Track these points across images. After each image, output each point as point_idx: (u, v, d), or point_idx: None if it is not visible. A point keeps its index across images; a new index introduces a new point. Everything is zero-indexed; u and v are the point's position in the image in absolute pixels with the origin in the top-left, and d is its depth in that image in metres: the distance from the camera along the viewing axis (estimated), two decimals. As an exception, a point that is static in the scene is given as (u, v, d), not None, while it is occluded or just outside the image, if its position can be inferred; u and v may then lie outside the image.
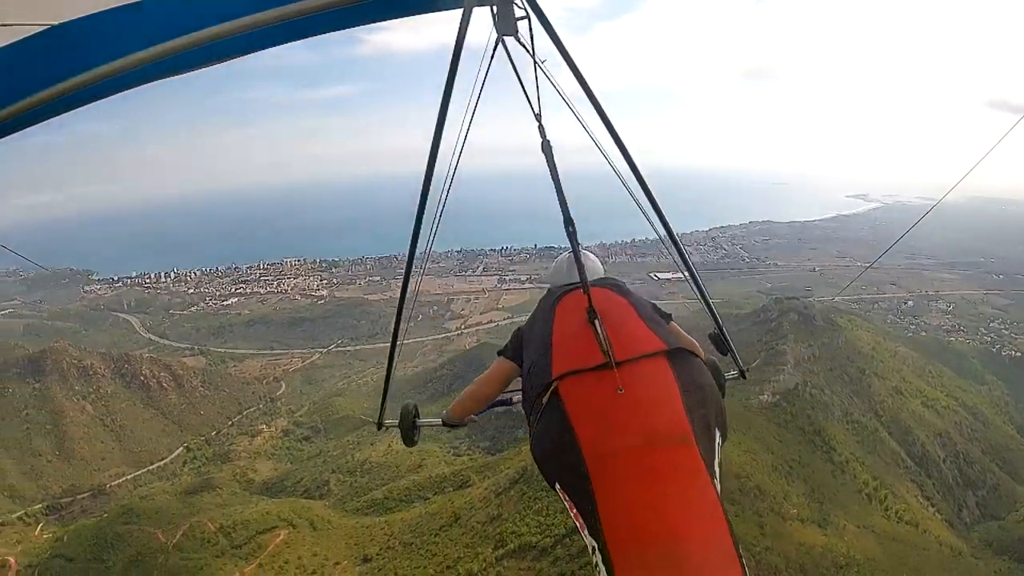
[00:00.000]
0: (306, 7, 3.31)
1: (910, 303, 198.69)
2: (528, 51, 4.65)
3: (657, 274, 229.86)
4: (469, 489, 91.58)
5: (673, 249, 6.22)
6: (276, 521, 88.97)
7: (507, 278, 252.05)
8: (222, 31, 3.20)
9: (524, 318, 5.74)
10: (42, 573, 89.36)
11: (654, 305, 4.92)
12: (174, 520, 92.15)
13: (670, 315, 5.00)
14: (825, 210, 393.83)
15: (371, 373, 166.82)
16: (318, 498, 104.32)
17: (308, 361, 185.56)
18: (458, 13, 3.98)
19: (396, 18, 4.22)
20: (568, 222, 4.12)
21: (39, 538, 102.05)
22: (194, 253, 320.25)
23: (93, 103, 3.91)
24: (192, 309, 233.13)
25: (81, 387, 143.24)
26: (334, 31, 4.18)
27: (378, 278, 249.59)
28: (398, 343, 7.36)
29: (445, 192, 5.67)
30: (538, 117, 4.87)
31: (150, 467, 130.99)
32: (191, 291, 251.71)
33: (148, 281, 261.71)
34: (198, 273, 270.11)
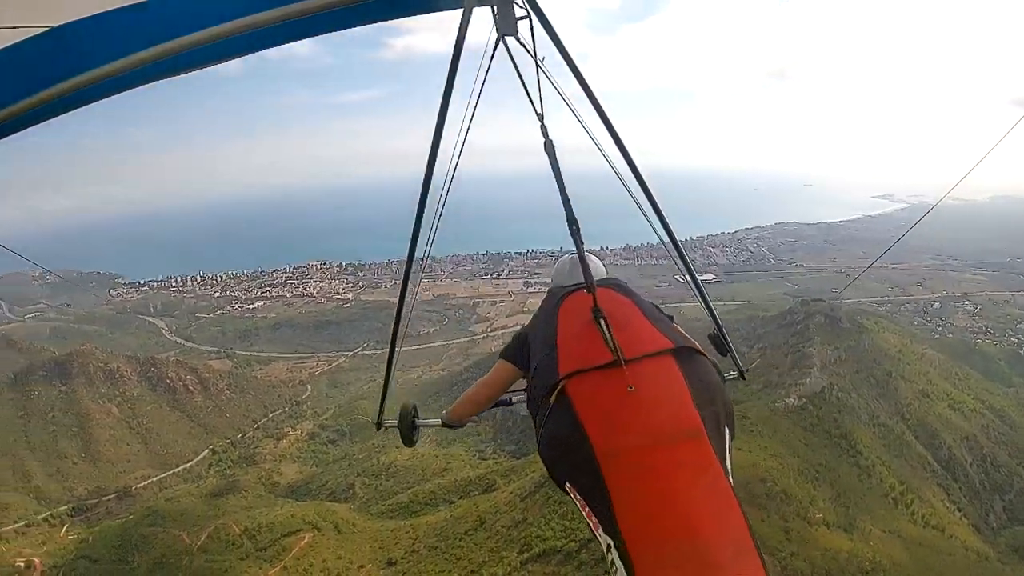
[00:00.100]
0: (307, 7, 3.30)
1: (936, 304, 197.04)
2: (528, 51, 4.63)
3: (682, 276, 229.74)
4: (494, 493, 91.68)
5: (673, 250, 6.16)
6: (301, 524, 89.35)
7: (533, 281, 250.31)
8: (223, 31, 3.19)
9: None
10: (67, 574, 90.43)
11: (656, 305, 4.87)
12: (199, 522, 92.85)
13: (672, 316, 4.91)
14: (851, 211, 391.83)
15: (397, 376, 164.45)
16: (343, 501, 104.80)
17: (334, 364, 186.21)
18: (458, 13, 3.95)
19: (396, 18, 4.22)
20: (571, 221, 4.04)
21: (64, 539, 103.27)
22: (220, 257, 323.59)
23: (93, 103, 3.87)
24: (218, 313, 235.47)
25: (107, 390, 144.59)
26: (335, 31, 4.19)
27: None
28: (398, 343, 7.52)
29: (445, 192, 5.73)
30: (540, 117, 4.76)
31: (175, 469, 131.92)
32: (217, 295, 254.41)
33: (174, 285, 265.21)
34: (224, 277, 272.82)
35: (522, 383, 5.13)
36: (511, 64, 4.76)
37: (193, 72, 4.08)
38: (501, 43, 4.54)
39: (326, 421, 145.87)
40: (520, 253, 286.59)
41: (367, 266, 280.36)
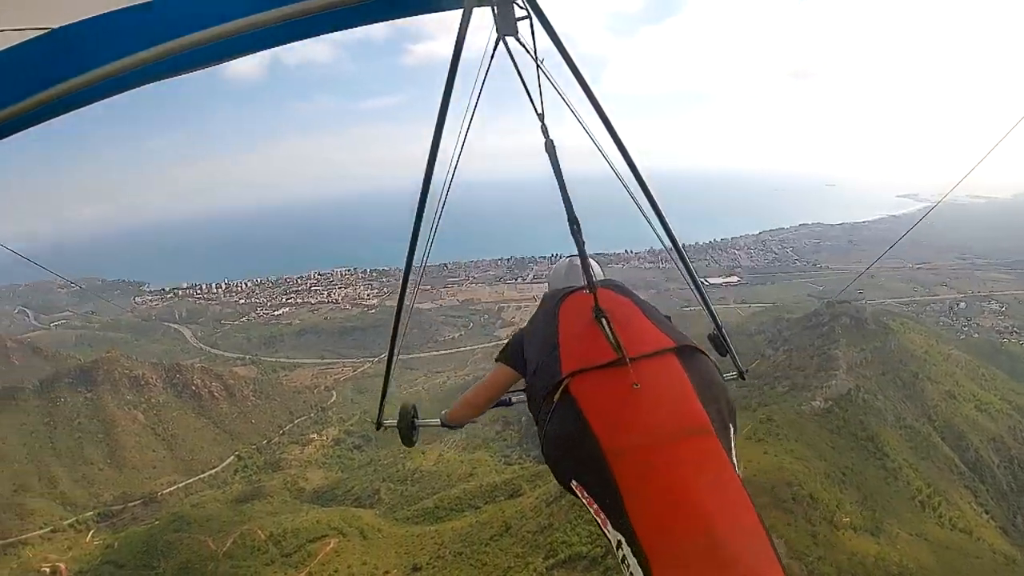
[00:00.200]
0: (308, 7, 3.33)
1: (962, 304, 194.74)
2: (528, 51, 4.64)
3: (707, 279, 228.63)
4: (520, 498, 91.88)
5: (674, 252, 6.33)
6: (326, 530, 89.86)
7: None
8: (224, 31, 3.22)
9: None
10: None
11: (653, 306, 4.87)
12: (224, 528, 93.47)
13: (669, 317, 4.90)
14: (875, 211, 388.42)
15: (422, 381, 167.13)
16: (368, 507, 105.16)
17: (359, 370, 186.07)
18: (458, 14, 4.02)
19: (397, 18, 4.29)
20: (572, 220, 4.05)
21: (90, 545, 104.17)
22: (245, 263, 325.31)
23: (93, 104, 3.91)
24: (243, 319, 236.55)
25: (133, 397, 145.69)
26: (336, 31, 4.21)
27: (428, 286, 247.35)
28: (397, 344, 7.61)
29: (445, 192, 5.79)
30: (540, 117, 4.78)
31: (201, 475, 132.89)
32: (242, 301, 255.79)
33: (199, 292, 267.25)
34: (249, 284, 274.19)
35: (522, 383, 5.15)
36: (511, 64, 4.77)
37: (193, 72, 4.13)
38: (501, 43, 4.56)
39: (351, 427, 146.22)
40: (544, 257, 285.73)
41: (392, 271, 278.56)
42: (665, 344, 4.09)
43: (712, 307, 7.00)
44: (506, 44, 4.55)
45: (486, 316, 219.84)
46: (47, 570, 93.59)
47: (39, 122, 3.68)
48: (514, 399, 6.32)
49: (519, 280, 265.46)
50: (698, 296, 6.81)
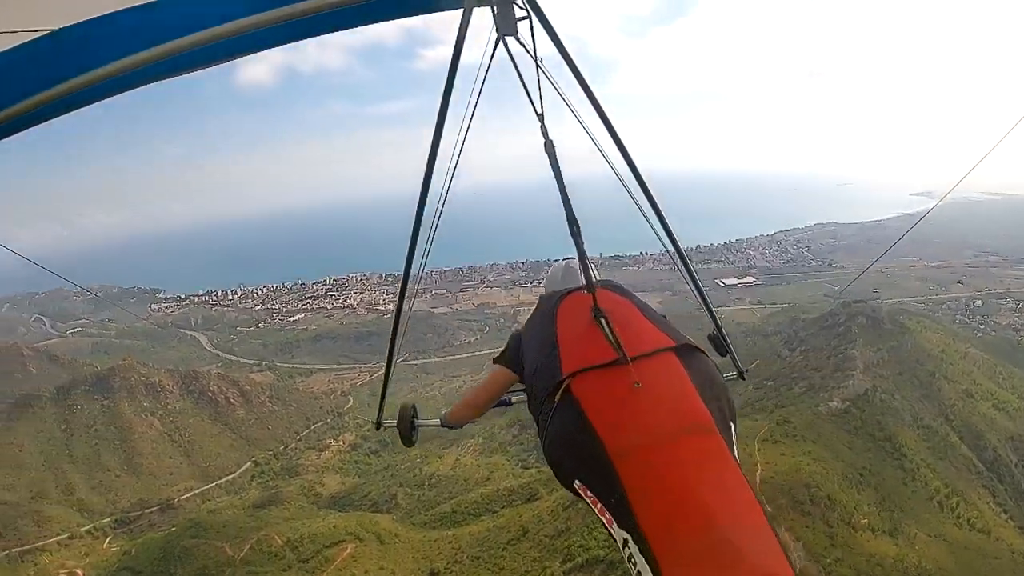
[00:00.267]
0: (308, 7, 3.35)
1: (979, 302, 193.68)
2: (528, 51, 4.67)
3: (723, 280, 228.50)
4: (537, 502, 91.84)
5: (675, 254, 6.49)
6: (343, 535, 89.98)
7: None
8: (224, 31, 3.25)
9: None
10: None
11: (651, 307, 4.91)
12: (241, 534, 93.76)
13: (664, 316, 4.91)
14: (889, 209, 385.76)
15: (439, 386, 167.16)
16: (385, 512, 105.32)
17: (375, 375, 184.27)
18: (458, 14, 4.01)
19: (397, 18, 4.32)
20: (571, 221, 4.14)
21: (107, 551, 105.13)
22: (260, 270, 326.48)
23: (94, 103, 3.95)
24: (259, 325, 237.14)
25: (149, 403, 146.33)
26: (336, 31, 4.24)
27: (444, 291, 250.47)
28: (397, 344, 7.97)
29: (445, 192, 5.84)
30: (540, 117, 4.80)
31: (218, 481, 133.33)
32: (258, 307, 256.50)
33: (215, 298, 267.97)
34: (265, 290, 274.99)
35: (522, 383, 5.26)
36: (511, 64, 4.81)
37: (193, 72, 4.17)
38: (501, 43, 4.59)
39: (368, 432, 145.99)
40: (559, 260, 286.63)
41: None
42: (665, 343, 4.15)
43: (712, 307, 7.11)
44: (506, 44, 4.57)
45: (502, 320, 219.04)
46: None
47: (40, 122, 3.73)
48: (514, 399, 6.50)
49: (535, 283, 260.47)
50: (698, 296, 6.90)
